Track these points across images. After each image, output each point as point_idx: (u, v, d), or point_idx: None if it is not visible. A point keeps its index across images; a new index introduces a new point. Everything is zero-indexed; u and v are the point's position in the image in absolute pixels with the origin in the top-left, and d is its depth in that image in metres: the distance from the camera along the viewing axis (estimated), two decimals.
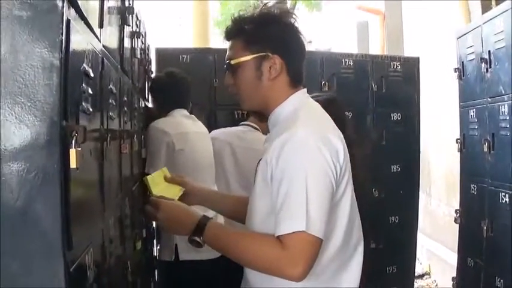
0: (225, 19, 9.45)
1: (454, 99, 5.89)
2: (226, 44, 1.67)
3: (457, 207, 5.67)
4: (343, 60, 4.20)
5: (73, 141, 0.96)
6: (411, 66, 4.43)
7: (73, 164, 0.96)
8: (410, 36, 7.38)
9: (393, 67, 4.35)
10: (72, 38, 1.01)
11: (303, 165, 1.43)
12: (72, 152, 0.96)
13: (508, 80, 2.66)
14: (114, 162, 1.67)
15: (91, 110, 1.20)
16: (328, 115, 1.66)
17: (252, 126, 3.19)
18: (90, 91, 1.18)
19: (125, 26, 1.89)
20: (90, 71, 1.17)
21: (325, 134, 1.50)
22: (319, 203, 1.42)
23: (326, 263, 1.51)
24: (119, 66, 1.84)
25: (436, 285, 5.88)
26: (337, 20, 10.36)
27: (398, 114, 4.36)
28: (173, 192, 1.87)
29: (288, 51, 1.61)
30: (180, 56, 3.83)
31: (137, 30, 2.35)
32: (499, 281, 2.74)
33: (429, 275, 6.18)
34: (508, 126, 2.69)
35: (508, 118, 2.68)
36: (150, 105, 3.38)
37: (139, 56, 2.46)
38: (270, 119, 1.65)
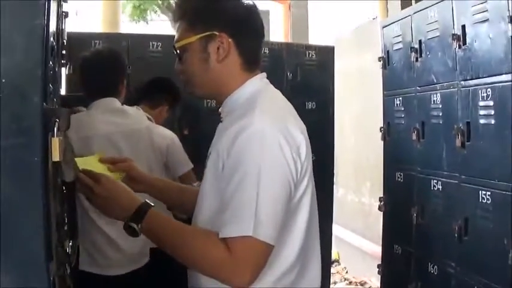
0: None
1: (353, 87, 6.06)
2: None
3: (366, 194, 5.87)
4: None
5: (55, 129, 0.75)
6: (326, 55, 4.44)
7: (55, 157, 0.75)
8: (314, 26, 7.50)
9: (308, 56, 4.33)
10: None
11: (257, 159, 1.29)
12: (55, 142, 0.75)
13: (441, 69, 2.68)
14: None
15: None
16: (290, 104, 1.52)
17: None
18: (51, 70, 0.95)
19: (62, 1, 1.61)
20: (55, 45, 0.94)
21: (286, 125, 1.36)
22: (272, 204, 1.29)
23: (283, 271, 1.38)
24: (55, 47, 1.57)
25: (347, 272, 6.00)
26: None
27: (313, 103, 4.33)
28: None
29: (238, 29, 1.45)
30: (93, 42, 3.56)
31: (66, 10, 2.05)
32: (432, 267, 2.78)
33: (338, 262, 6.30)
34: (440, 114, 2.72)
35: (440, 106, 2.71)
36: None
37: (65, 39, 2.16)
38: (223, 107, 1.50)
